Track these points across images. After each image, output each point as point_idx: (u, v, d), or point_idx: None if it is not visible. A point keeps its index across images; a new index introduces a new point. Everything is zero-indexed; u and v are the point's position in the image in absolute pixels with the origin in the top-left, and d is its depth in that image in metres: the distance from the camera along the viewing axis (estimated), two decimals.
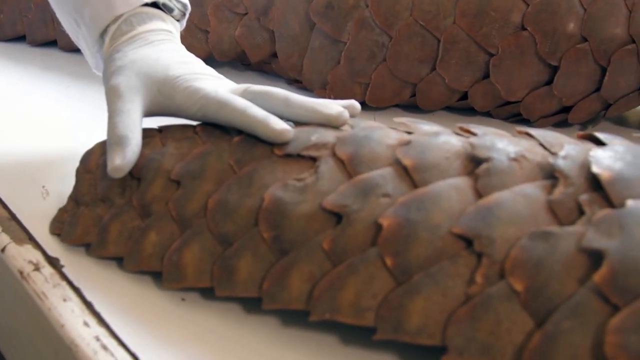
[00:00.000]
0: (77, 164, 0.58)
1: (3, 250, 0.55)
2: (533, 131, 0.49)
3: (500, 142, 0.46)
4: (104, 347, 0.45)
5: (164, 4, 0.63)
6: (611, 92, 0.81)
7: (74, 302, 0.49)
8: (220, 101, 0.53)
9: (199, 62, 0.60)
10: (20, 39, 1.13)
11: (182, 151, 0.53)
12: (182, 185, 0.51)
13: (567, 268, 0.39)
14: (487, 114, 0.87)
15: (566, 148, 0.45)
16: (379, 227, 0.44)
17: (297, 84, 0.94)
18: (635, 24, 0.78)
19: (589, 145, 0.46)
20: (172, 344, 0.46)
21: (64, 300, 0.50)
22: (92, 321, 0.48)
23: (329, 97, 0.85)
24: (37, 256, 0.54)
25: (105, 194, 0.54)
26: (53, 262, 0.53)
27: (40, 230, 0.57)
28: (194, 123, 0.57)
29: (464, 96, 0.85)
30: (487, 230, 0.41)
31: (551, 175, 0.44)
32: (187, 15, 0.67)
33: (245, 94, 0.55)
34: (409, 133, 0.50)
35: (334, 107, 0.53)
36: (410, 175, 0.45)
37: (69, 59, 1.05)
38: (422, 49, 0.82)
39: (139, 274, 0.52)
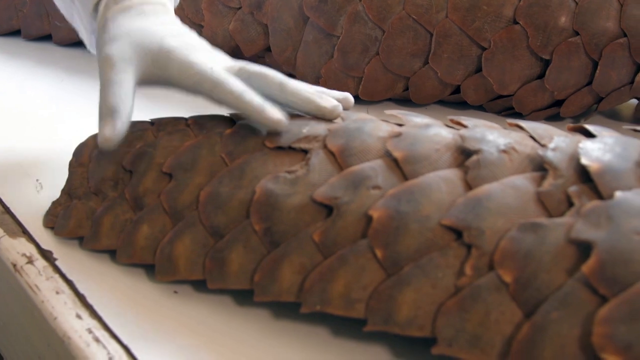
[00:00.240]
0: (70, 157, 0.58)
1: None
2: (524, 123, 0.49)
3: (491, 134, 0.46)
4: (96, 339, 0.46)
5: None
6: (603, 86, 0.81)
7: (67, 295, 0.50)
8: (215, 80, 0.53)
9: (194, 35, 0.59)
10: (15, 33, 1.13)
11: (174, 144, 0.53)
12: (174, 178, 0.51)
13: (555, 259, 0.39)
14: (480, 108, 0.87)
15: (556, 140, 0.45)
16: (369, 219, 0.44)
17: (291, 78, 0.93)
18: (626, 17, 0.78)
19: (578, 137, 0.47)
20: (164, 336, 0.46)
21: (57, 292, 0.50)
22: (84, 313, 0.48)
23: None
24: (30, 249, 0.54)
25: (98, 187, 0.54)
26: (46, 255, 0.54)
27: (34, 223, 0.57)
28: (186, 116, 0.57)
29: (457, 90, 0.85)
30: (476, 221, 0.41)
31: (541, 167, 0.44)
32: None
33: (240, 73, 0.54)
34: (400, 125, 0.51)
35: (328, 99, 0.53)
36: (401, 167, 0.46)
37: (63, 54, 1.06)
38: (414, 43, 0.82)
39: (132, 266, 0.52)
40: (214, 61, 0.55)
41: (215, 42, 0.95)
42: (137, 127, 0.56)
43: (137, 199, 0.52)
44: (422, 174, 0.45)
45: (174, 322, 0.47)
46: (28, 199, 0.61)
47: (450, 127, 0.50)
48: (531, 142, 0.46)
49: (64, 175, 0.58)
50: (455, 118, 0.51)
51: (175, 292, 0.50)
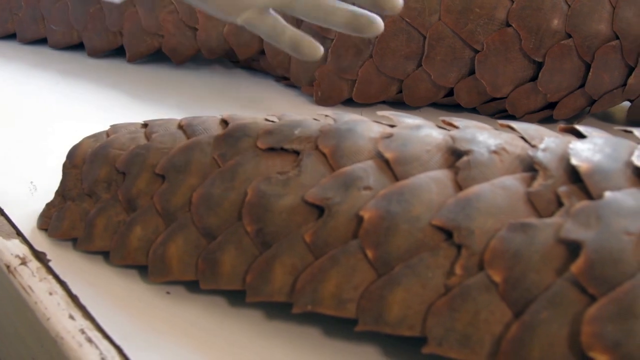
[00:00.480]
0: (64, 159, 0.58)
1: None
2: (515, 124, 0.49)
3: (481, 135, 0.47)
4: (89, 340, 0.46)
5: None
6: (595, 88, 0.81)
7: (60, 296, 0.50)
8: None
9: None
10: (10, 36, 1.13)
11: (167, 145, 0.53)
12: (167, 180, 0.51)
13: (545, 259, 0.39)
14: (474, 111, 0.87)
15: (546, 141, 0.46)
16: (360, 220, 0.44)
17: (285, 81, 0.94)
18: (618, 20, 0.78)
19: (569, 138, 0.47)
20: (157, 336, 0.46)
21: (50, 293, 0.50)
22: (77, 314, 0.48)
23: (317, 94, 0.86)
24: (24, 250, 0.54)
25: (92, 189, 0.54)
26: (40, 257, 0.54)
27: (28, 225, 0.58)
28: (179, 117, 0.57)
29: (450, 92, 0.86)
30: (466, 222, 0.42)
31: (531, 167, 0.44)
32: None
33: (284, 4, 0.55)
34: (392, 126, 0.51)
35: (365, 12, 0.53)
36: (392, 168, 0.46)
37: (58, 57, 1.06)
38: (407, 46, 0.82)
39: (125, 267, 0.52)
40: None
41: (209, 45, 0.95)
42: (129, 129, 0.56)
43: (130, 201, 0.52)
44: (412, 175, 0.45)
45: (167, 323, 0.48)
46: (22, 201, 0.61)
47: (442, 128, 0.50)
48: (522, 143, 0.46)
49: (58, 177, 0.58)
50: (447, 119, 0.51)
51: (168, 292, 0.50)
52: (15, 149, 0.72)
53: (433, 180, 0.44)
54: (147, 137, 0.55)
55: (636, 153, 0.43)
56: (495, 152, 0.45)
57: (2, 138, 0.75)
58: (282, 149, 0.50)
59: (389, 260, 0.43)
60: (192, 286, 0.50)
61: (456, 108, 0.87)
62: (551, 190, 0.42)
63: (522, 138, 0.47)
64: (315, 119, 0.53)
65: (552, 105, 0.84)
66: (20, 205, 0.60)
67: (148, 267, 0.50)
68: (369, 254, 0.43)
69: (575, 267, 0.38)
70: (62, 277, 0.51)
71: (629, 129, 0.48)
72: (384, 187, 0.45)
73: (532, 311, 0.38)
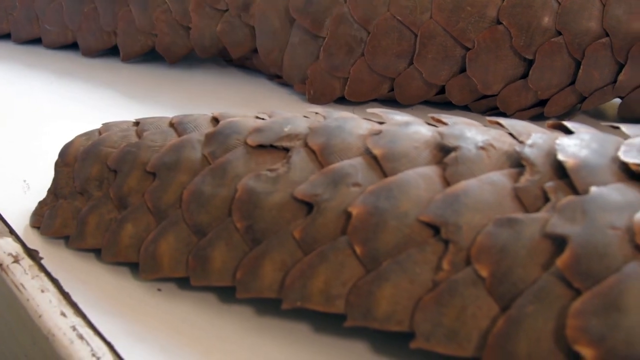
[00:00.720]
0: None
1: None
2: (503, 120, 0.49)
3: (469, 131, 0.47)
4: (80, 337, 0.46)
5: None
6: (586, 85, 0.82)
7: (52, 293, 0.50)
8: None
9: None
10: (5, 36, 1.13)
11: (158, 143, 0.53)
12: (158, 177, 0.51)
13: (531, 254, 0.40)
14: (466, 108, 0.87)
15: (533, 137, 0.46)
16: (348, 216, 0.44)
17: (278, 79, 0.94)
18: (609, 17, 0.79)
19: (556, 134, 0.47)
20: (148, 332, 0.47)
21: (42, 291, 0.50)
22: (69, 311, 0.48)
23: (309, 92, 0.87)
24: (16, 248, 0.55)
25: (83, 187, 0.55)
26: (32, 254, 0.54)
27: (21, 223, 0.58)
28: (170, 115, 0.57)
29: (442, 90, 0.86)
30: (453, 217, 0.42)
31: (518, 163, 0.44)
32: None
33: None
34: (381, 123, 0.51)
35: None
36: (380, 164, 0.46)
37: (53, 57, 1.06)
38: (399, 44, 0.82)
39: (117, 265, 0.53)
40: None
41: (202, 44, 0.96)
42: (121, 127, 0.56)
43: (122, 199, 0.52)
44: (401, 171, 0.45)
45: (158, 319, 0.48)
46: (15, 200, 0.61)
47: (431, 124, 0.50)
48: (509, 139, 0.47)
49: (51, 176, 0.58)
50: (436, 116, 0.51)
51: (159, 289, 0.51)
52: (8, 148, 0.73)
53: (421, 177, 0.45)
54: (139, 135, 0.55)
55: (622, 148, 0.44)
56: (482, 148, 0.45)
57: None
58: (271, 146, 0.50)
59: (377, 256, 0.43)
60: (183, 283, 0.50)
61: (448, 106, 0.88)
62: (538, 185, 0.43)
63: (510, 134, 0.48)
64: (305, 117, 0.54)
65: (543, 103, 0.84)
66: (13, 204, 0.60)
67: (139, 264, 0.51)
68: (358, 250, 0.43)
69: (561, 261, 0.38)
70: (54, 274, 0.52)
71: (616, 125, 0.48)
72: (372, 184, 0.45)
73: (518, 305, 0.39)
